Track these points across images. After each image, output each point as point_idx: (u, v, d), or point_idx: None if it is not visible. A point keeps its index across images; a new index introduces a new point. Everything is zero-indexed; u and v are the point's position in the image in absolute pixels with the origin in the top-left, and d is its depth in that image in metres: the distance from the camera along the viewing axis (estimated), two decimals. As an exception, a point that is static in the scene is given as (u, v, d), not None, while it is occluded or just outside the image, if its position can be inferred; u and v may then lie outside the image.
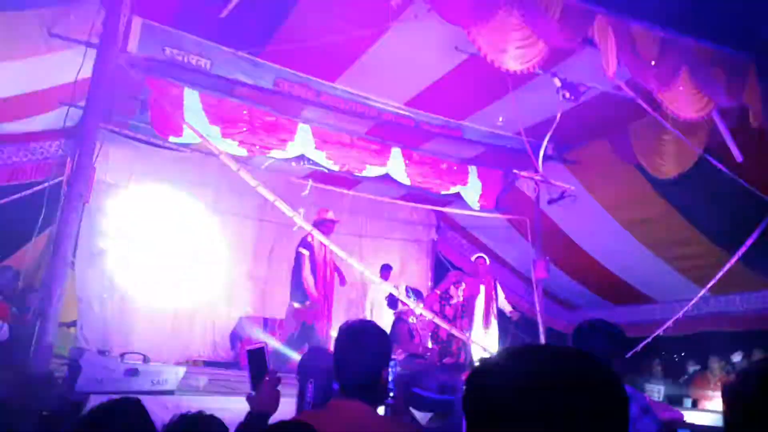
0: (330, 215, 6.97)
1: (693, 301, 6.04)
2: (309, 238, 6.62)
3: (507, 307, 7.62)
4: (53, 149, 6.62)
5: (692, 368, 8.11)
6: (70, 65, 4.99)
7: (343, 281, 7.16)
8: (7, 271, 5.69)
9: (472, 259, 7.67)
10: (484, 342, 6.98)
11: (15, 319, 5.44)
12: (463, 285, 7.55)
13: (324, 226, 6.68)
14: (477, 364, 0.93)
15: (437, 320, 5.37)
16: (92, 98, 4.25)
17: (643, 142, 6.45)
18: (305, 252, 6.67)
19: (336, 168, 7.02)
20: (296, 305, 6.53)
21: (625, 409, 0.82)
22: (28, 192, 6.00)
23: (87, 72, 4.70)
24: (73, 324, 6.82)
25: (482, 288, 7.46)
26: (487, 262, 7.66)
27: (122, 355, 4.16)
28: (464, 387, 0.88)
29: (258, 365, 1.98)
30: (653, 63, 5.21)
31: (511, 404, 0.78)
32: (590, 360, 0.84)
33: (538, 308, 6.80)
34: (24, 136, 6.20)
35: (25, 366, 3.59)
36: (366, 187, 8.34)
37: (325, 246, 6.46)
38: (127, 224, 7.48)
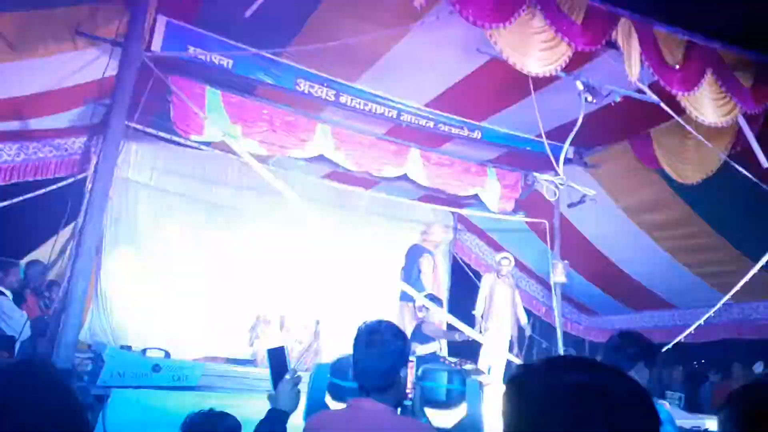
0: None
1: (715, 308, 5.95)
2: None
3: (523, 318, 7.30)
4: (77, 146, 6.72)
5: (713, 376, 7.99)
6: (96, 63, 5.08)
7: None
8: (37, 265, 5.79)
9: (497, 258, 7.53)
10: (502, 347, 6.87)
11: (42, 313, 5.52)
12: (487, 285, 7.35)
13: None
14: (517, 371, 0.96)
15: (459, 325, 5.34)
16: (117, 96, 4.31)
17: (665, 147, 6.37)
18: None
19: (354, 168, 7.04)
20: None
21: (656, 423, 0.85)
22: (53, 187, 6.11)
23: (112, 70, 4.79)
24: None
25: (507, 289, 7.32)
26: (512, 263, 7.44)
27: (144, 351, 4.21)
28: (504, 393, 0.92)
29: (278, 365, 2.00)
30: (677, 66, 5.15)
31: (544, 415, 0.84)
32: (623, 377, 0.88)
33: (556, 312, 6.76)
34: (49, 132, 6.31)
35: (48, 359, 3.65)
36: (383, 188, 8.35)
37: None
38: (147, 221, 7.58)
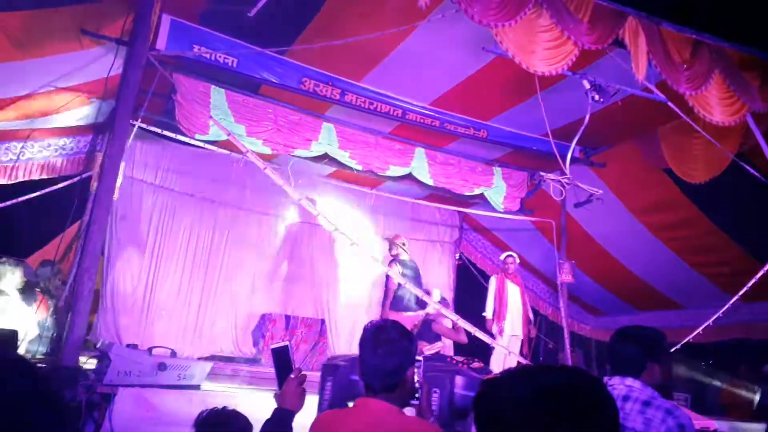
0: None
1: (723, 309, 5.90)
2: None
3: (531, 318, 7.30)
4: (82, 144, 6.74)
5: (721, 376, 7.94)
6: (101, 62, 5.08)
7: None
8: (47, 265, 5.79)
9: (501, 257, 7.51)
10: (514, 347, 6.83)
11: (53, 313, 5.52)
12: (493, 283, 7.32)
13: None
14: (485, 382, 1.04)
15: (469, 327, 5.31)
16: (122, 95, 4.30)
17: (672, 146, 6.33)
18: None
19: (359, 167, 7.03)
20: None
21: (607, 412, 0.92)
22: (59, 186, 6.12)
23: (117, 69, 4.78)
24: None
25: (516, 288, 7.26)
26: (517, 261, 7.39)
27: (150, 349, 4.21)
28: (474, 400, 1.00)
29: (283, 363, 1.98)
30: (685, 65, 5.11)
31: (511, 414, 0.92)
32: (579, 374, 0.96)
33: (562, 312, 6.72)
34: (54, 131, 6.32)
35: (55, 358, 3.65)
36: (388, 187, 8.33)
37: None
38: (152, 219, 7.59)
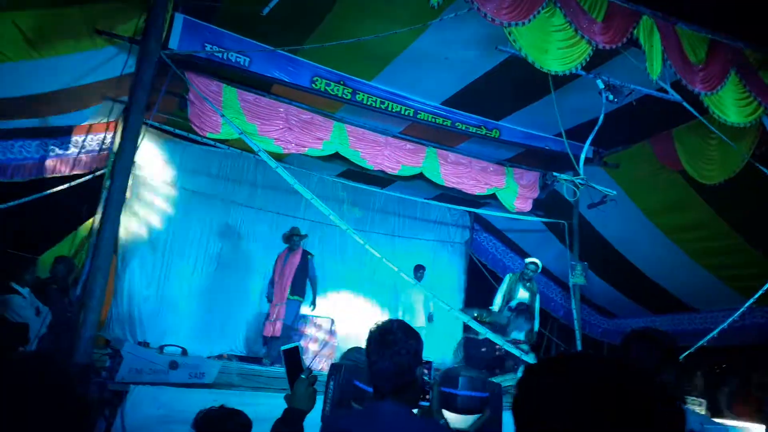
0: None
1: (738, 312, 5.82)
2: None
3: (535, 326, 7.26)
4: (95, 143, 6.77)
5: (736, 381, 7.83)
6: (114, 61, 5.11)
7: None
8: (63, 262, 5.82)
9: (526, 261, 7.50)
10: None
11: (66, 310, 5.54)
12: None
13: None
14: (525, 370, 0.95)
15: (501, 342, 5.26)
16: (135, 93, 4.32)
17: (687, 147, 6.26)
18: None
19: (370, 167, 7.02)
20: None
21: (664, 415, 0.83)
22: (72, 184, 6.15)
23: (129, 68, 4.81)
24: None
25: (526, 294, 7.21)
26: (539, 269, 7.38)
27: (162, 347, 4.22)
28: (515, 390, 0.92)
29: (293, 364, 1.97)
30: (700, 65, 5.05)
31: (553, 407, 0.84)
32: (630, 371, 0.87)
33: (575, 314, 6.67)
34: (68, 129, 6.36)
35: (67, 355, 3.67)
36: (399, 186, 8.31)
37: None
38: (164, 218, 7.63)
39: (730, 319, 5.73)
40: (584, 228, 7.44)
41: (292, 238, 7.06)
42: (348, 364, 2.62)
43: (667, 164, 6.56)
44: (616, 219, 7.37)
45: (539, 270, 7.41)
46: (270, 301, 7.05)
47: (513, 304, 7.13)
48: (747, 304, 5.72)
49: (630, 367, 0.88)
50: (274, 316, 6.76)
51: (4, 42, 4.33)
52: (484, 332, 5.36)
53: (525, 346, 6.49)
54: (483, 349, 6.88)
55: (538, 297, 7.37)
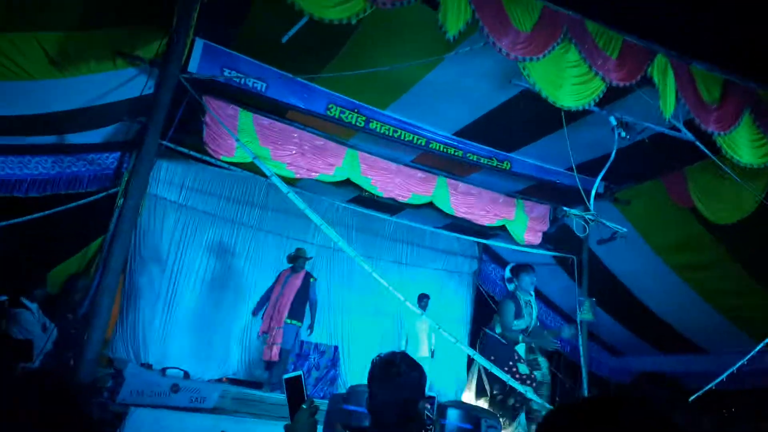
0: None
1: (749, 355, 5.70)
2: None
3: None
4: (109, 161, 6.85)
5: (746, 426, 7.64)
6: (133, 82, 5.19)
7: None
8: (75, 280, 5.84)
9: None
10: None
11: (72, 327, 5.56)
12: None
13: None
14: (551, 411, 0.98)
15: (507, 379, 5.14)
16: (153, 115, 4.39)
17: (699, 186, 6.22)
18: None
19: (381, 194, 7.03)
20: None
21: None
22: (84, 201, 6.21)
23: (148, 89, 4.89)
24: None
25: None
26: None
27: (164, 370, 4.19)
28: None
29: (295, 393, 1.95)
30: (714, 105, 5.05)
31: None
32: (651, 411, 0.89)
33: (581, 351, 6.57)
34: (84, 147, 6.45)
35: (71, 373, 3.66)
36: (408, 214, 8.32)
37: None
38: (173, 237, 7.66)
39: (739, 363, 5.62)
40: (593, 263, 7.38)
41: (298, 259, 7.05)
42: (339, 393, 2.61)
43: (680, 202, 6.52)
44: (626, 255, 7.31)
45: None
46: (254, 315, 7.02)
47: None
48: (758, 348, 5.61)
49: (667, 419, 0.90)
50: (271, 340, 6.72)
51: (27, 61, 4.42)
52: (508, 380, 5.04)
53: (543, 361, 6.21)
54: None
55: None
